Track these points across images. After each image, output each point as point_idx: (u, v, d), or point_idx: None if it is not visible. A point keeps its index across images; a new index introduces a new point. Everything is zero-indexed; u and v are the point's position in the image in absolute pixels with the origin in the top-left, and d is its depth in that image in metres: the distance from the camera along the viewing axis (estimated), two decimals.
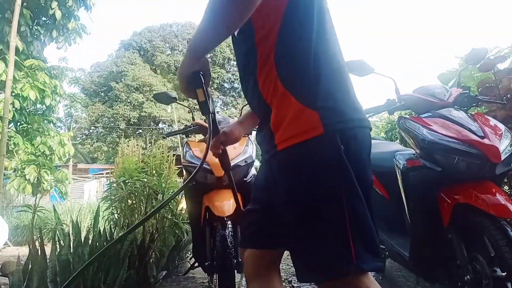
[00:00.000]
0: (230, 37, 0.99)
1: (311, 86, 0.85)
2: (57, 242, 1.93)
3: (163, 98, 2.51)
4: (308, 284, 2.85)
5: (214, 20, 0.86)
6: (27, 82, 5.32)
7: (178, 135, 2.81)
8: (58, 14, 5.64)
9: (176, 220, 2.94)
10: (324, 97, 0.84)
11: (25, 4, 5.21)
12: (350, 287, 0.83)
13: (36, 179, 4.44)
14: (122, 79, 28.68)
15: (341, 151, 0.81)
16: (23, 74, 5.38)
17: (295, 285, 2.83)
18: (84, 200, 8.78)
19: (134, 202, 2.88)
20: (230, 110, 31.04)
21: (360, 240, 0.80)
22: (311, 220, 0.84)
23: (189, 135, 2.55)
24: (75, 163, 20.05)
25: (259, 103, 0.95)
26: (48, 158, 5.75)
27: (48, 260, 1.87)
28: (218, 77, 31.25)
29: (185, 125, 2.50)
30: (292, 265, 3.67)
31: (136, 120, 28.42)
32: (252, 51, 0.93)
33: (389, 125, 5.38)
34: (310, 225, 0.84)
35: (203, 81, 0.97)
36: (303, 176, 0.85)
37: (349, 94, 0.89)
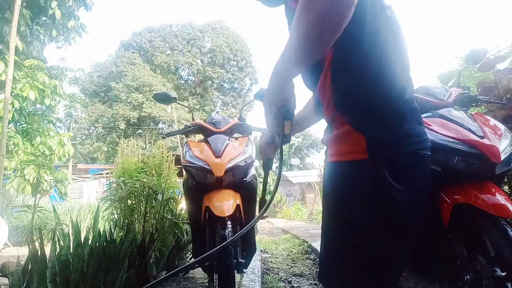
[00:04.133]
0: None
1: (364, 110, 0.85)
2: (57, 243, 1.92)
3: (163, 98, 2.51)
4: (308, 284, 2.85)
5: (306, 36, 0.73)
6: (26, 82, 5.32)
7: (178, 135, 2.80)
8: (58, 14, 5.64)
9: (176, 220, 2.94)
10: (375, 123, 0.84)
11: (24, 4, 5.21)
12: None
13: (35, 179, 4.44)
14: (122, 79, 28.69)
15: (379, 179, 0.82)
16: (22, 74, 5.37)
17: (295, 285, 2.83)
18: (83, 200, 8.78)
19: (133, 202, 2.88)
20: (230, 110, 31.05)
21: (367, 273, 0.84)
22: (332, 230, 0.92)
23: (189, 135, 2.54)
24: (74, 163, 20.06)
25: (317, 101, 0.97)
26: (48, 158, 5.75)
27: (47, 261, 1.86)
28: (218, 77, 31.27)
29: (185, 125, 2.50)
30: (292, 265, 3.66)
31: (136, 120, 28.43)
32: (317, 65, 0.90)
33: None
34: (329, 234, 0.94)
35: (292, 112, 0.84)
36: (338, 192, 0.90)
37: (404, 114, 0.87)
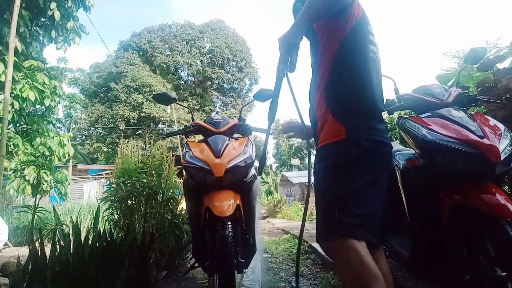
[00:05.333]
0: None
1: (346, 109, 1.30)
2: (57, 243, 1.93)
3: (163, 99, 2.52)
4: (308, 284, 2.85)
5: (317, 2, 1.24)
6: (26, 83, 5.32)
7: (177, 136, 2.81)
8: (57, 15, 5.63)
9: (176, 221, 2.94)
10: (352, 117, 1.28)
11: (24, 5, 5.20)
12: (335, 247, 1.23)
13: (35, 180, 4.44)
14: (121, 80, 28.67)
15: (350, 151, 1.25)
16: (22, 75, 5.37)
17: (295, 285, 2.83)
18: (83, 201, 8.78)
19: (134, 202, 2.88)
20: (230, 110, 31.04)
21: (344, 215, 1.19)
22: (320, 191, 1.31)
23: (189, 136, 2.55)
24: (74, 163, 20.04)
25: (312, 114, 1.43)
26: (48, 159, 5.75)
27: (48, 261, 1.87)
28: (217, 78, 31.25)
29: (184, 126, 2.50)
30: (292, 265, 3.66)
31: (135, 121, 28.41)
32: (315, 72, 1.42)
33: (388, 125, 5.39)
34: (319, 197, 1.31)
35: (298, 47, 1.37)
36: (325, 161, 1.31)
37: (371, 118, 1.31)
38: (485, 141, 1.48)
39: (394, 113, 2.62)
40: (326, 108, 1.32)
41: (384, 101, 2.01)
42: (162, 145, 3.21)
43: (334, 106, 1.31)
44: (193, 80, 32.64)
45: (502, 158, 1.45)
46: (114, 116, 28.22)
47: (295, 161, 30.68)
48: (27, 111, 5.87)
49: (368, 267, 1.13)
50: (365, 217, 1.21)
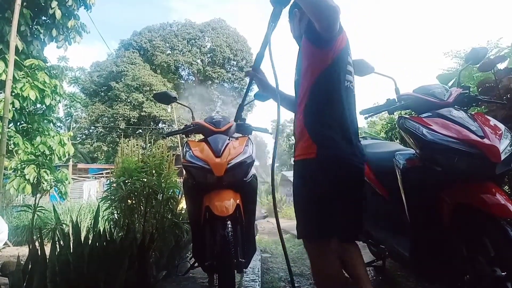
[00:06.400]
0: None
1: (319, 131, 1.47)
2: (57, 242, 1.92)
3: (163, 98, 2.52)
4: (308, 284, 2.85)
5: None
6: (27, 82, 5.32)
7: (178, 135, 2.80)
8: (58, 13, 5.63)
9: (176, 220, 2.94)
10: (323, 139, 1.45)
11: (25, 3, 5.19)
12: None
13: (35, 179, 4.44)
14: (122, 79, 28.65)
15: (319, 169, 1.44)
16: (23, 74, 5.37)
17: (295, 285, 2.82)
18: (83, 200, 8.78)
19: (134, 202, 2.88)
20: (230, 110, 31.02)
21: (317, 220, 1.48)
22: (297, 203, 1.58)
23: (189, 135, 2.54)
24: (75, 163, 20.04)
25: (294, 130, 1.61)
26: (48, 158, 5.75)
27: (48, 260, 1.86)
28: (218, 77, 31.23)
29: (185, 125, 2.50)
30: (292, 265, 3.67)
31: (136, 120, 28.40)
32: (297, 88, 1.59)
33: (389, 125, 5.38)
34: (295, 205, 1.59)
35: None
36: (300, 176, 1.54)
37: (342, 140, 1.45)
38: (486, 141, 1.48)
39: (395, 113, 2.62)
40: (303, 125, 1.50)
41: (385, 101, 2.02)
42: (162, 145, 3.20)
43: (310, 125, 1.49)
44: (194, 79, 32.62)
45: (502, 158, 1.45)
46: (115, 115, 28.21)
47: None
48: (27, 110, 5.86)
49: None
50: (330, 225, 1.45)
